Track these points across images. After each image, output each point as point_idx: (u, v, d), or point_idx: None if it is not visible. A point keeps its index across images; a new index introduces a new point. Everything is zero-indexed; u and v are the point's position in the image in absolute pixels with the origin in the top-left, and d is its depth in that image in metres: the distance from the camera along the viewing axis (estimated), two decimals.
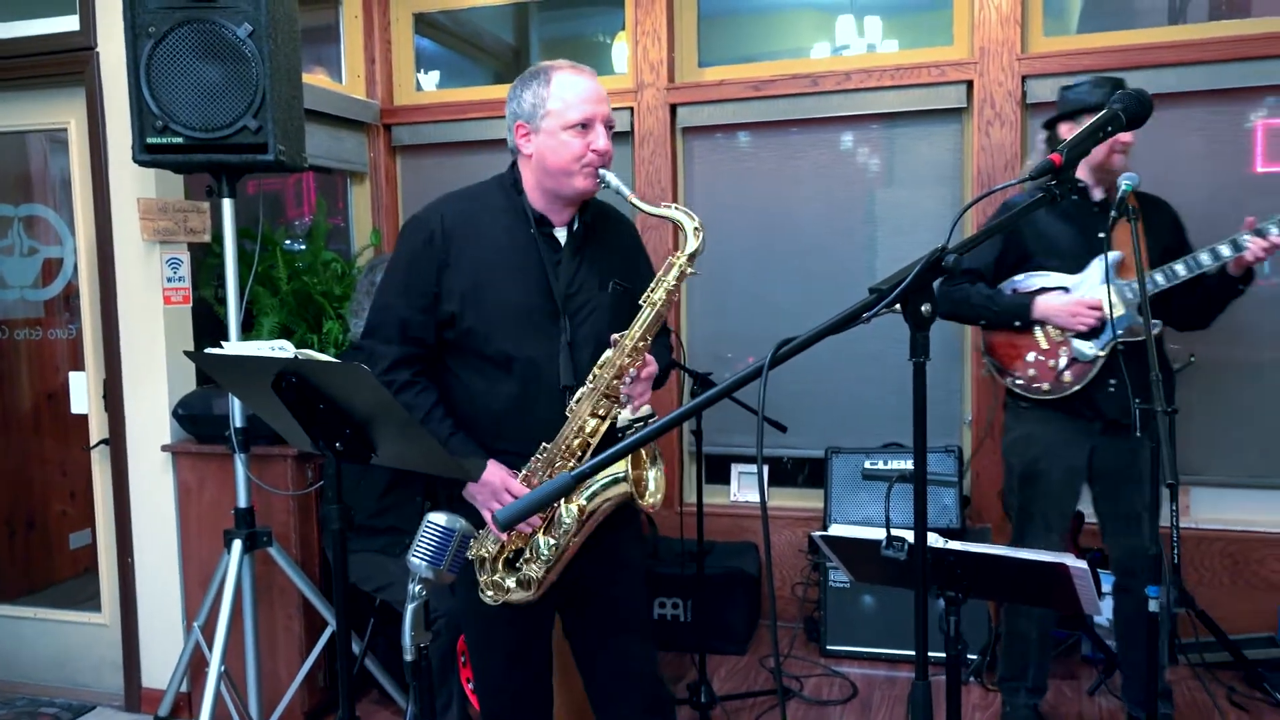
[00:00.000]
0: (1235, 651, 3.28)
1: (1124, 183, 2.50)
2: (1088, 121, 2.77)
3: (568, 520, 2.03)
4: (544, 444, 2.04)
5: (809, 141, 3.99)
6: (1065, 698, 3.30)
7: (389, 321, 2.08)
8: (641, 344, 2.01)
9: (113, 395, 3.38)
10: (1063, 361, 2.83)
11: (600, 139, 2.02)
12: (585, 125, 2.01)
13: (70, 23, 3.34)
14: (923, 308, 1.30)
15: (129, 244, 3.30)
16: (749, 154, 4.07)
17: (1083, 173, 2.83)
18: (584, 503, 2.04)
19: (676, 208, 2.06)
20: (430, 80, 4.67)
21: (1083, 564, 1.89)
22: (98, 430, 3.51)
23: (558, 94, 2.01)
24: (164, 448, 3.32)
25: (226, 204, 2.89)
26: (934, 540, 1.96)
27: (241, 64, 2.71)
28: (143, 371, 3.33)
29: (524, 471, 2.05)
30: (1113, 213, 2.45)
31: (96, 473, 3.54)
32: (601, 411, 2.01)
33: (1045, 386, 2.86)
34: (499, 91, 4.43)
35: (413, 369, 2.09)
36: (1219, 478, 3.57)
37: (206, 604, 3.05)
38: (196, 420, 3.24)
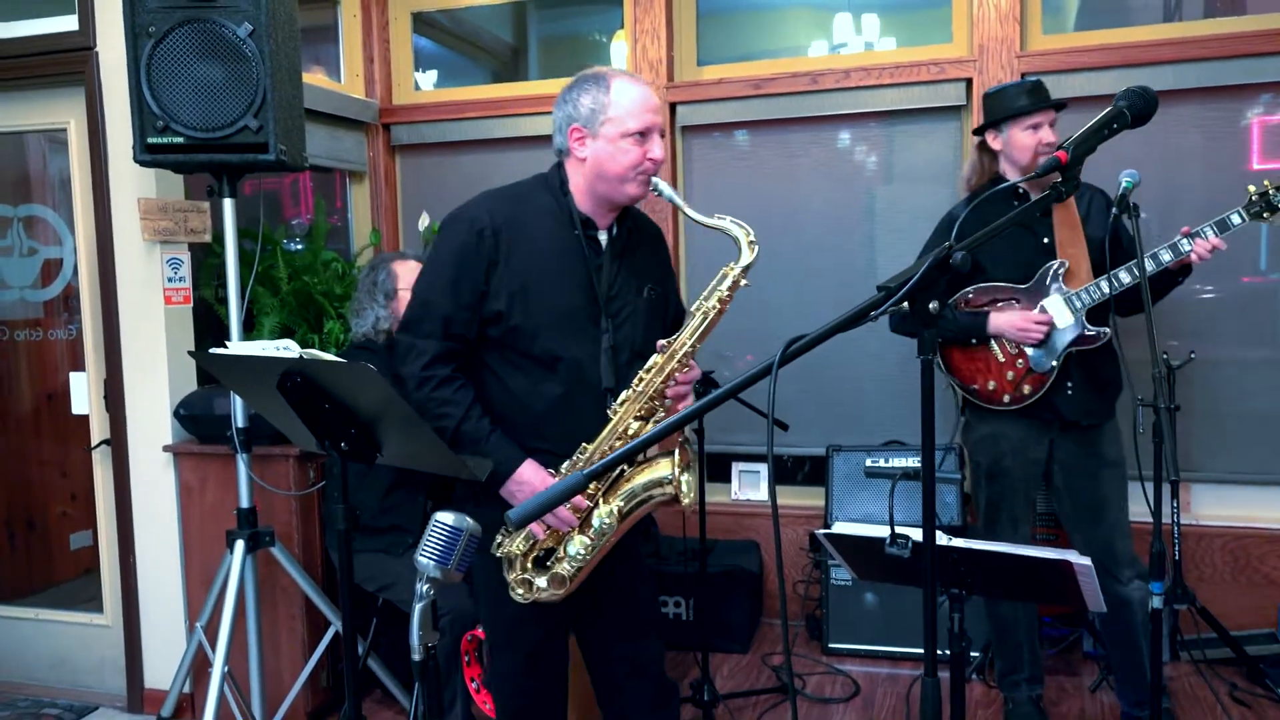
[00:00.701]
0: (1237, 648, 3.29)
1: (1124, 179, 2.51)
2: (1013, 129, 2.79)
3: (606, 521, 2.04)
4: (584, 444, 2.05)
5: (808, 140, 3.99)
6: (1067, 694, 3.30)
7: (431, 316, 2.07)
8: (692, 350, 2.03)
9: (113, 396, 3.37)
10: (1020, 374, 2.84)
11: (657, 148, 2.06)
12: (643, 134, 2.05)
13: (69, 23, 3.33)
14: (930, 305, 1.30)
15: (129, 244, 3.29)
16: (748, 152, 4.08)
17: (1012, 176, 2.84)
18: (622, 504, 2.05)
19: (731, 220, 2.07)
20: (429, 79, 4.67)
21: (1086, 561, 1.89)
22: (99, 431, 3.50)
23: (618, 101, 2.04)
24: (165, 448, 3.32)
25: (227, 204, 2.89)
26: (939, 537, 1.97)
27: (242, 64, 2.71)
28: (143, 372, 3.32)
29: (562, 470, 2.06)
30: (1114, 210, 2.45)
31: (98, 473, 3.54)
32: (644, 414, 2.04)
33: (1006, 399, 2.86)
34: (497, 91, 4.43)
35: (451, 365, 2.08)
36: (1220, 474, 3.58)
37: (209, 604, 3.05)
38: (198, 420, 3.24)
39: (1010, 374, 2.85)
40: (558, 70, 4.81)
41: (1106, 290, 2.73)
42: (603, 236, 2.15)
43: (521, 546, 2.07)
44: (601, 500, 2.05)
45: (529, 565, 2.08)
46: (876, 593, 3.60)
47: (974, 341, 2.89)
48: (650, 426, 2.03)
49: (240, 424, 2.93)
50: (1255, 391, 3.54)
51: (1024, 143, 2.79)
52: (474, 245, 2.06)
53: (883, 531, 1.99)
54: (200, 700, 3.15)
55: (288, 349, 2.05)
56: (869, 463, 3.64)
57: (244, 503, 2.96)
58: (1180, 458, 3.53)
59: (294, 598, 3.21)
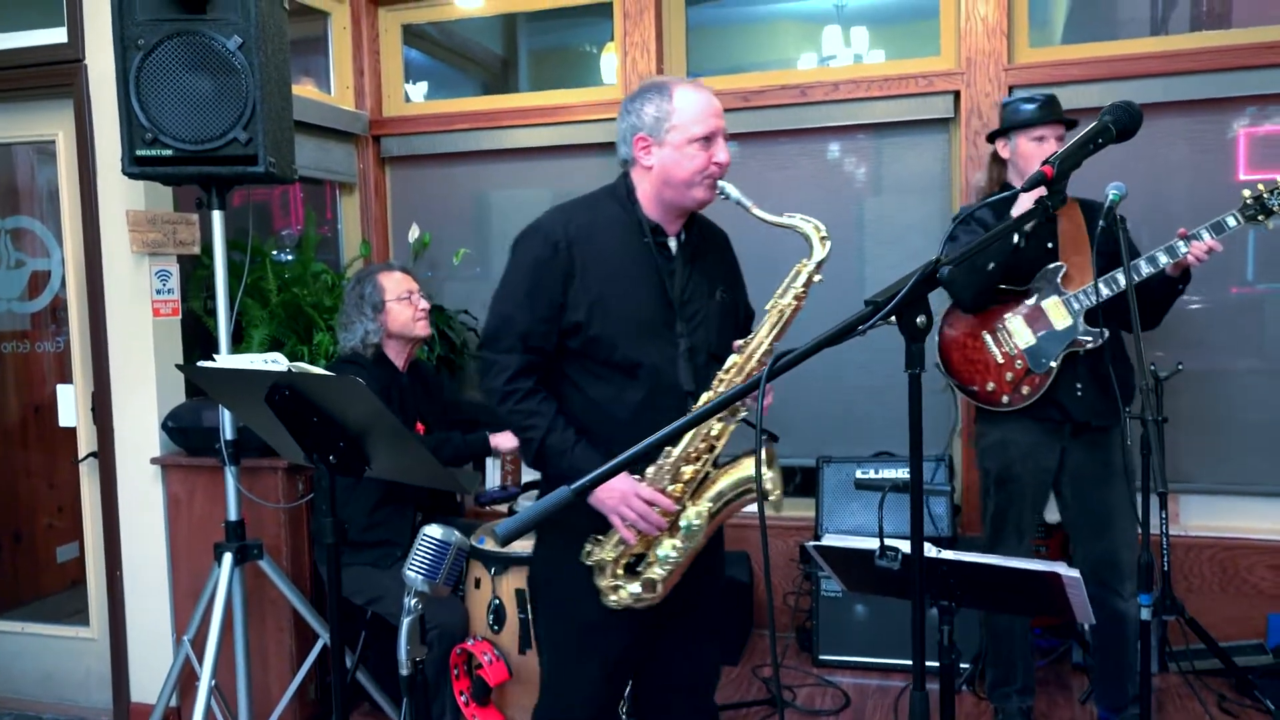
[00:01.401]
0: (1225, 659, 3.29)
1: (1111, 191, 2.52)
2: (1021, 138, 2.82)
3: (696, 523, 2.06)
4: (668, 449, 2.05)
5: (798, 151, 4.01)
6: (1057, 706, 3.31)
7: (510, 331, 2.08)
8: (769, 349, 2.06)
9: (101, 408, 3.36)
10: (1019, 375, 2.85)
11: (722, 152, 2.10)
12: (708, 139, 2.07)
13: (58, 35, 3.32)
14: (918, 320, 1.31)
15: (117, 256, 3.28)
16: (738, 164, 4.04)
17: (1017, 184, 2.86)
18: (710, 505, 2.07)
19: (801, 218, 2.12)
20: (419, 91, 4.68)
21: (1075, 573, 1.90)
22: (86, 443, 3.49)
23: (681, 108, 2.07)
24: (153, 460, 3.30)
25: (216, 216, 2.88)
26: (927, 550, 1.97)
27: (231, 76, 2.71)
28: (132, 384, 3.31)
29: (649, 475, 2.06)
30: (1101, 222, 2.47)
31: (85, 486, 3.52)
32: (725, 414, 2.05)
33: (1005, 400, 2.87)
34: (488, 103, 4.44)
35: (533, 378, 2.09)
36: (1208, 485, 3.59)
37: (196, 617, 3.03)
38: (186, 432, 3.22)
39: (1009, 375, 2.86)
40: (548, 82, 4.83)
41: (1105, 293, 2.75)
42: (672, 243, 2.18)
43: (612, 553, 2.07)
44: (689, 502, 2.06)
45: (619, 571, 2.08)
46: (867, 604, 3.60)
47: (994, 267, 2.84)
48: (731, 428, 2.07)
49: (229, 436, 2.91)
50: (1243, 402, 3.55)
51: (1029, 153, 2.82)
52: (549, 258, 2.06)
53: (872, 544, 2.00)
54: (187, 714, 3.13)
55: (275, 362, 2.05)
56: (859, 474, 3.65)
57: (232, 515, 2.95)
58: (1169, 468, 3.54)
59: (282, 611, 3.19)
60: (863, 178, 3.99)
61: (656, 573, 2.06)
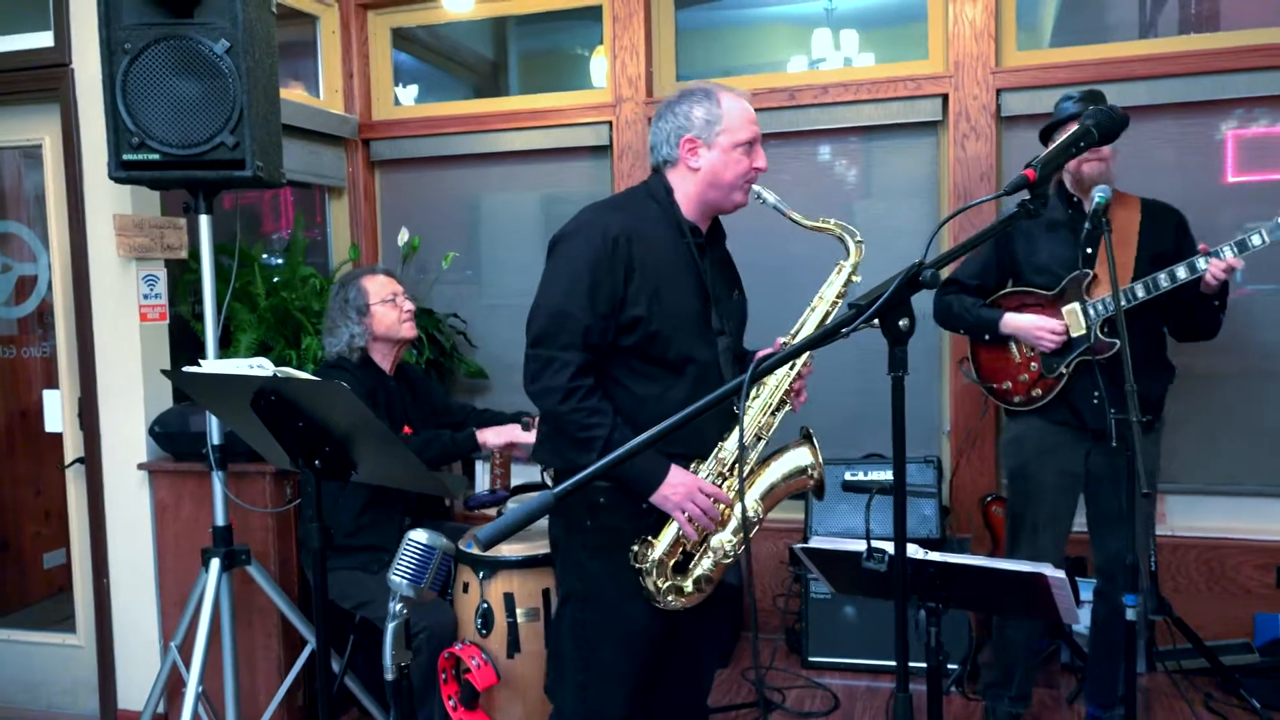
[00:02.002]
0: (1212, 658, 3.30)
1: (1098, 195, 2.53)
2: (1062, 133, 2.84)
3: (753, 516, 2.14)
4: (719, 443, 2.12)
5: (787, 154, 4.01)
6: (1045, 706, 3.31)
7: (569, 328, 2.05)
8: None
9: (88, 413, 3.34)
10: (1034, 377, 2.89)
11: (761, 158, 2.18)
12: (751, 144, 2.16)
13: (45, 39, 3.32)
14: (900, 323, 1.31)
15: (104, 261, 3.27)
16: None
17: (1067, 181, 2.87)
18: (762, 496, 2.16)
19: (835, 223, 2.22)
20: (409, 95, 4.67)
21: (1060, 574, 1.90)
22: (72, 449, 3.47)
23: (729, 113, 2.13)
24: (140, 466, 3.29)
25: (204, 220, 2.88)
26: (914, 551, 1.97)
27: (219, 80, 2.70)
28: (118, 389, 3.30)
29: (702, 470, 2.11)
30: (1087, 225, 2.48)
31: (71, 492, 3.51)
32: (775, 406, 2.16)
33: (1018, 399, 2.94)
34: (478, 106, 4.44)
35: (592, 376, 2.08)
36: (1194, 485, 3.60)
37: (184, 623, 3.02)
38: (173, 438, 3.21)
39: (1024, 376, 2.91)
40: (538, 86, 4.82)
41: (1141, 294, 2.76)
42: (701, 243, 2.23)
43: (663, 553, 2.09)
44: (740, 497, 2.12)
45: (669, 571, 2.10)
46: (856, 606, 3.60)
47: (986, 338, 2.95)
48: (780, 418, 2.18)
49: (216, 441, 2.90)
50: (1230, 403, 3.57)
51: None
52: (609, 253, 2.06)
53: (859, 546, 2.00)
54: None
55: (261, 367, 2.04)
56: (847, 476, 3.65)
57: (219, 520, 2.94)
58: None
59: (270, 616, 3.18)
60: (852, 180, 4.00)
61: (709, 568, 2.11)
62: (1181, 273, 2.71)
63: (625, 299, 2.07)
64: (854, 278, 2.21)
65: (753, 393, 2.16)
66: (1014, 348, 2.94)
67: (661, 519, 2.11)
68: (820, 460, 2.21)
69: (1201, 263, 2.69)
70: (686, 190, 2.17)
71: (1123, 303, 2.74)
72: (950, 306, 3.03)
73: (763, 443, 2.17)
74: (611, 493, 2.08)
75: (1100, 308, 2.79)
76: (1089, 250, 2.83)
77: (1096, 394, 2.80)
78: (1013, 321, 2.87)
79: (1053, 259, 2.86)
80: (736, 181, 2.15)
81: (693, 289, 2.15)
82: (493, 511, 3.38)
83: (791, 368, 2.16)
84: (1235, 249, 2.68)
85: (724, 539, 2.11)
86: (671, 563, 2.10)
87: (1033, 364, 2.90)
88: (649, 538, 2.09)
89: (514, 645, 2.82)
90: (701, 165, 2.14)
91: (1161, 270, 2.74)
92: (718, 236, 2.30)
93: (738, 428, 2.12)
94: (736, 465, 2.11)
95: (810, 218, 2.20)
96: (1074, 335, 2.82)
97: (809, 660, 3.65)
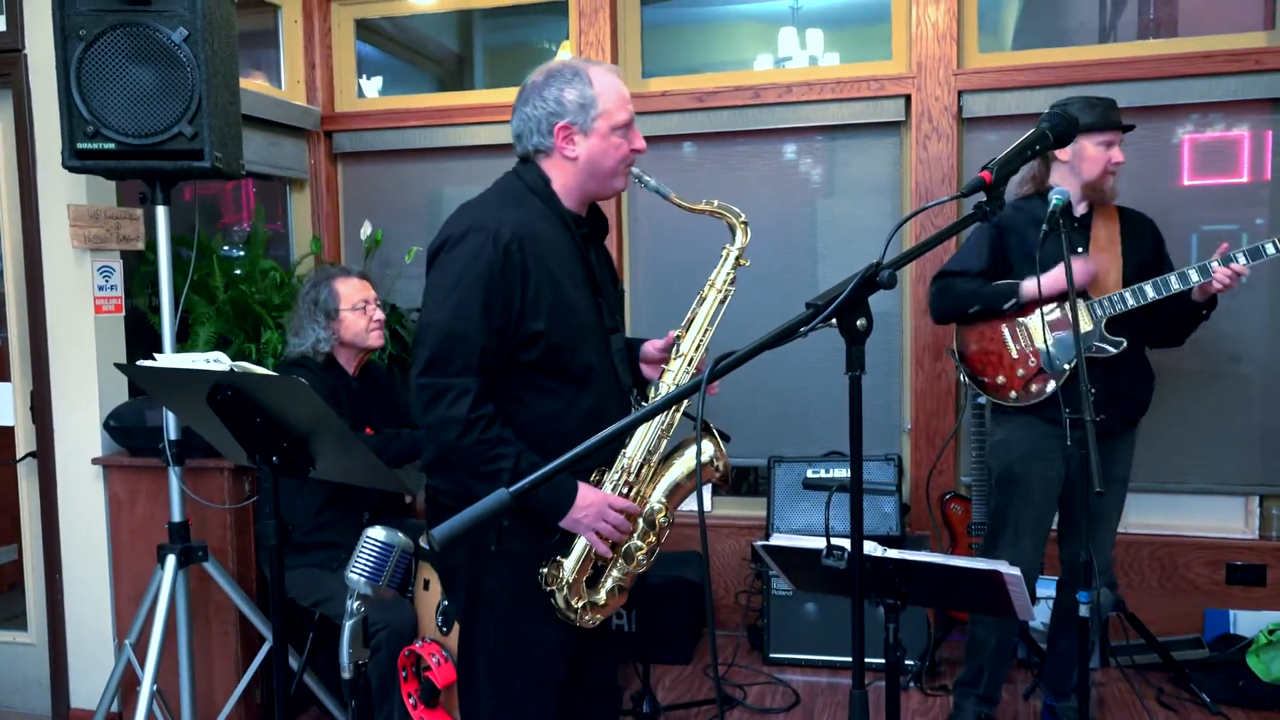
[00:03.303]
0: (1163, 653, 3.37)
1: (1054, 197, 2.55)
2: (1087, 141, 2.82)
3: (662, 518, 2.02)
4: (622, 451, 1.98)
5: (752, 153, 4.03)
6: (1002, 702, 3.35)
7: (463, 351, 1.85)
8: (709, 332, 2.05)
9: (40, 407, 3.28)
10: (1031, 372, 2.87)
11: (639, 138, 2.01)
12: (628, 125, 1.99)
13: None
14: (858, 323, 1.32)
15: (58, 251, 3.21)
16: (693, 164, 4.10)
17: (1071, 187, 2.86)
18: (664, 497, 2.03)
19: (720, 205, 2.09)
20: (372, 86, 4.63)
21: (1016, 571, 1.93)
22: (24, 443, 3.40)
23: (604, 94, 1.95)
24: (94, 460, 3.23)
25: (161, 211, 2.83)
26: (873, 548, 1.99)
27: (176, 69, 2.66)
28: (72, 382, 3.24)
29: (608, 480, 1.97)
30: (1044, 227, 2.49)
31: (23, 487, 3.44)
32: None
33: (1014, 395, 2.90)
34: (442, 99, 4.40)
35: (489, 402, 1.89)
36: (1147, 483, 3.66)
37: (139, 621, 2.97)
38: (129, 432, 3.16)
39: (1021, 371, 2.88)
40: (503, 80, 4.79)
41: (1131, 302, 2.78)
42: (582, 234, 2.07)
43: (574, 573, 1.97)
44: (644, 498, 2.01)
45: (582, 589, 1.99)
46: (817, 603, 3.63)
47: (1006, 307, 2.87)
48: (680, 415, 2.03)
49: (173, 436, 2.86)
50: (1180, 402, 3.63)
51: (1095, 156, 2.81)
52: (502, 264, 1.86)
53: (819, 543, 2.01)
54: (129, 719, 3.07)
55: (218, 361, 2.01)
56: (809, 474, 3.67)
57: (175, 517, 2.90)
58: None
59: (227, 613, 3.15)
60: (816, 179, 4.02)
61: (620, 577, 2.01)
62: (1194, 275, 2.72)
63: (523, 312, 1.88)
64: (742, 261, 2.09)
65: (650, 391, 2.06)
66: (1010, 342, 2.90)
67: (566, 538, 1.98)
68: (722, 449, 2.09)
69: (1214, 265, 2.70)
70: (565, 181, 1.99)
71: (1132, 303, 2.78)
72: (955, 287, 2.94)
73: (665, 442, 2.04)
74: (515, 515, 1.88)
75: (1107, 305, 2.80)
76: (1080, 249, 2.85)
77: (1094, 392, 2.81)
78: (1033, 284, 2.76)
79: (1047, 257, 2.85)
80: (617, 167, 1.98)
81: (586, 289, 2.01)
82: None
83: (689, 361, 2.04)
84: (1249, 256, 2.70)
85: (633, 545, 2.01)
86: (583, 580, 1.99)
87: (1031, 359, 2.86)
88: (557, 558, 1.97)
89: None
90: (580, 154, 1.96)
91: (1172, 274, 2.76)
92: (600, 225, 2.12)
93: (644, 435, 2.00)
94: (641, 469, 2.00)
95: (693, 201, 2.08)
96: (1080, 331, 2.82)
97: (770, 657, 3.67)
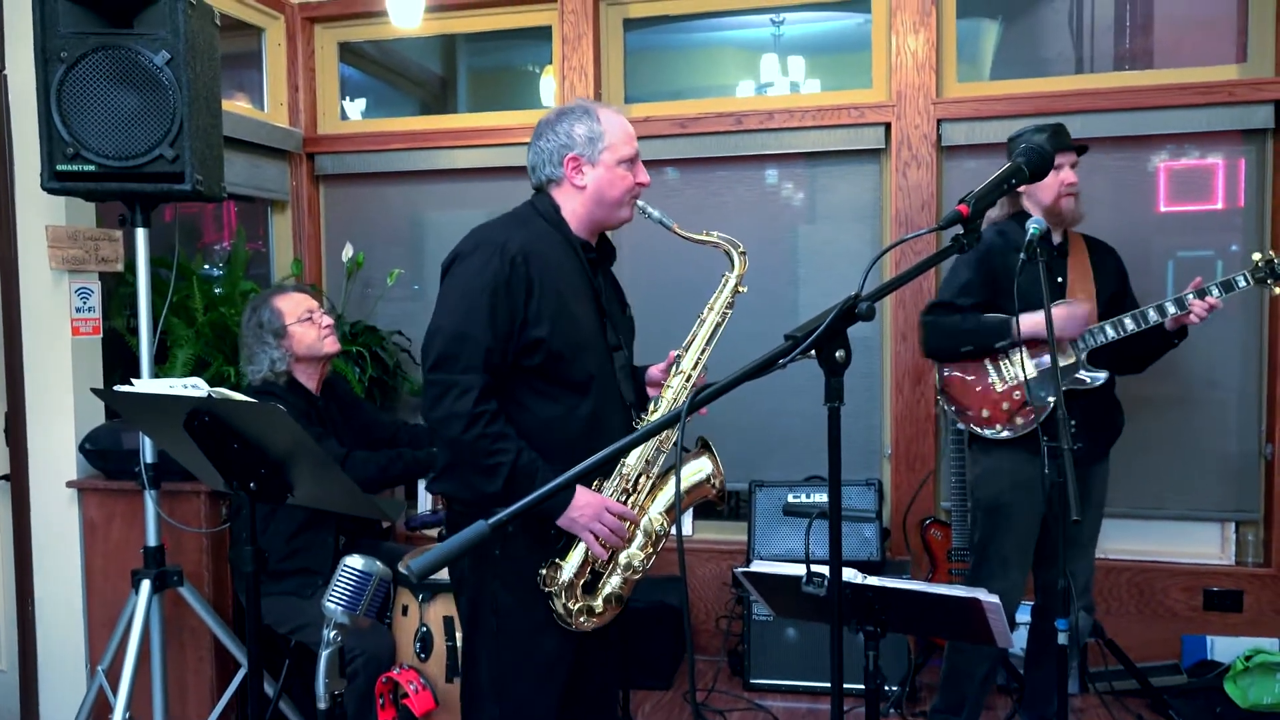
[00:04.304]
0: (1142, 679, 3.38)
1: (1032, 225, 2.58)
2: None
3: (659, 528, 2.14)
4: (623, 460, 2.11)
5: (734, 178, 4.05)
6: None
7: (470, 351, 2.01)
8: (707, 352, 2.21)
9: (15, 429, 3.25)
10: (1016, 405, 2.89)
11: (643, 173, 2.20)
12: (632, 160, 2.18)
13: None
14: (837, 354, 1.33)
15: (35, 272, 3.18)
16: (675, 189, 4.12)
17: (1035, 211, 2.91)
18: (664, 510, 2.16)
19: (719, 236, 2.25)
20: (356, 109, 4.63)
21: (995, 599, 1.94)
22: None
23: (610, 130, 2.15)
24: (69, 484, 3.20)
25: (140, 234, 2.82)
26: (854, 576, 2.00)
27: (158, 92, 2.65)
28: (48, 405, 3.21)
29: (606, 488, 2.11)
30: (1021, 256, 2.52)
31: None
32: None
33: (999, 427, 2.91)
34: (425, 123, 4.41)
35: (494, 400, 2.04)
36: (1125, 510, 3.68)
37: (112, 646, 2.93)
38: (105, 455, 3.13)
39: (1006, 404, 2.89)
40: (487, 104, 4.82)
41: (1112, 334, 2.82)
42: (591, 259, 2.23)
43: (572, 575, 2.09)
44: (642, 509, 2.14)
45: (579, 593, 2.10)
46: (798, 629, 3.62)
47: (999, 345, 2.88)
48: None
49: (149, 459, 2.83)
50: (1157, 428, 3.66)
51: (1048, 181, 2.83)
52: (508, 273, 2.03)
53: (799, 570, 2.02)
54: None
55: (195, 387, 2.00)
56: (790, 498, 3.68)
57: (151, 541, 2.87)
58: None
59: (203, 639, 3.11)
60: (797, 205, 4.05)
61: (618, 585, 2.12)
62: (1171, 308, 2.78)
63: (526, 319, 2.04)
64: (740, 289, 2.26)
65: (650, 405, 2.19)
66: (993, 375, 2.92)
67: (568, 542, 2.10)
68: (720, 468, 2.25)
69: (1191, 298, 2.75)
70: (574, 208, 2.17)
71: (1113, 335, 2.82)
72: (949, 324, 2.93)
73: (663, 456, 2.18)
74: (519, 520, 2.04)
75: (1090, 339, 2.83)
76: (1059, 280, 2.88)
77: (1074, 423, 2.83)
78: (1032, 319, 2.76)
79: (1027, 285, 2.87)
80: (622, 198, 2.17)
81: (589, 306, 2.16)
82: (434, 532, 3.35)
83: (687, 379, 2.19)
84: (1221, 289, 2.76)
85: (632, 555, 2.13)
86: (581, 583, 2.11)
87: (1016, 392, 2.87)
88: (556, 560, 2.08)
89: (453, 669, 2.79)
90: (587, 183, 2.14)
91: (1150, 306, 2.81)
92: (607, 253, 2.31)
93: (641, 449, 2.14)
94: (639, 479, 2.14)
95: (694, 231, 2.24)
96: (1062, 364, 2.83)
97: (751, 682, 3.66)
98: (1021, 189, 2.90)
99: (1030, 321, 2.77)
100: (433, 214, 4.39)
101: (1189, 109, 3.57)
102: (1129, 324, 2.81)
